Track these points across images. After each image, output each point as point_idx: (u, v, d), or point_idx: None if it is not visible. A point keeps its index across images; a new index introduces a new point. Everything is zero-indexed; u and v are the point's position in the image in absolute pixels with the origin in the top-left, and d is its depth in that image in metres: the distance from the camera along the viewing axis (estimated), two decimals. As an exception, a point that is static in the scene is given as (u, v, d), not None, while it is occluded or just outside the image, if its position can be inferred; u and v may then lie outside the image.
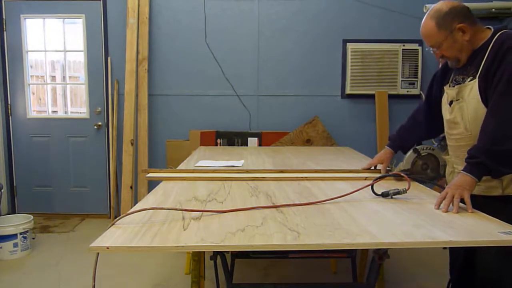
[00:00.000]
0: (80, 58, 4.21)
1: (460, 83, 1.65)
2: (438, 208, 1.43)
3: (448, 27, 1.59)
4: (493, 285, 1.59)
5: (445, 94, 1.74)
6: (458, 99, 1.64)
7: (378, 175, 1.84)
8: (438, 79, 1.84)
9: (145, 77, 4.03)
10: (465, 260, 1.80)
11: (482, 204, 1.54)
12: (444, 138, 1.97)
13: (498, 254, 1.51)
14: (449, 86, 1.72)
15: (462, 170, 1.49)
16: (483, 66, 1.55)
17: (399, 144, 2.04)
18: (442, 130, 1.86)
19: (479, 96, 1.55)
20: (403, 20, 3.99)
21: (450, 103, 1.69)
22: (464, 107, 1.62)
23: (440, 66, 1.87)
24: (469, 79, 1.61)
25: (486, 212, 1.40)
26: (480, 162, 1.45)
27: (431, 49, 1.69)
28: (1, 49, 4.13)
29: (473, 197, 1.56)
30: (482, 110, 1.55)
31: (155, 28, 4.06)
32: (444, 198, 1.44)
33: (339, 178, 1.97)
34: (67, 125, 4.24)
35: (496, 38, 1.55)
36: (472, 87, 1.58)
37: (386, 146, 2.09)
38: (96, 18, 4.09)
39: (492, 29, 1.61)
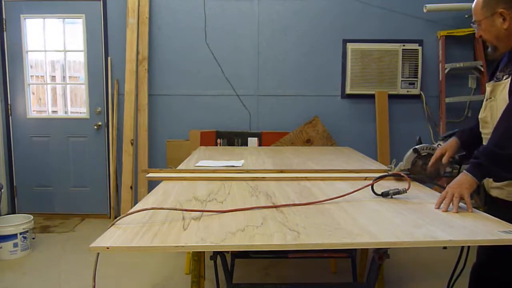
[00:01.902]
0: (80, 58, 4.21)
1: (499, 80, 1.59)
2: (438, 208, 1.43)
3: (491, 8, 1.53)
4: None
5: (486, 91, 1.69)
6: (491, 98, 1.60)
7: (378, 175, 1.84)
8: (488, 78, 1.75)
9: (145, 77, 4.03)
10: (489, 261, 1.77)
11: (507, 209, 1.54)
12: (444, 138, 1.97)
13: None
14: (490, 83, 1.65)
15: (465, 170, 1.47)
16: None
17: (469, 138, 1.81)
18: None
19: (507, 96, 1.50)
20: (403, 20, 3.99)
21: (487, 100, 1.64)
22: (494, 107, 1.57)
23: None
24: (505, 77, 1.55)
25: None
26: (480, 164, 1.43)
27: (474, 25, 1.63)
28: (1, 49, 4.13)
29: (504, 202, 1.57)
30: None
31: (155, 28, 4.06)
32: (445, 198, 1.44)
33: (339, 178, 1.97)
34: (67, 125, 4.24)
35: None
36: (504, 86, 1.53)
37: (453, 137, 1.88)
38: (96, 18, 4.09)
39: None
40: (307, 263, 3.12)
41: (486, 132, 1.64)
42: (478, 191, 1.77)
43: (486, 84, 1.67)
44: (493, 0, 1.53)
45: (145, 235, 1.14)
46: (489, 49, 1.63)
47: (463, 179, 1.44)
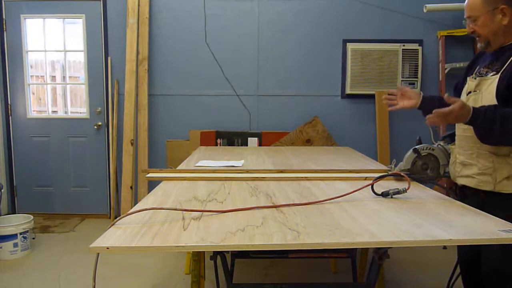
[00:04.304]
0: (80, 58, 4.22)
1: (483, 76, 1.67)
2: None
3: (493, 4, 1.59)
4: (497, 277, 1.63)
5: (466, 84, 1.77)
6: (476, 91, 1.67)
7: (378, 175, 1.84)
8: (465, 71, 1.86)
9: (145, 77, 4.03)
10: (472, 255, 1.85)
11: (483, 199, 1.62)
12: (443, 138, 1.98)
13: (501, 247, 1.53)
14: (472, 77, 1.74)
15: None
16: (509, 63, 1.57)
17: (430, 100, 1.95)
18: None
19: (495, 92, 1.57)
20: (403, 20, 3.99)
21: (469, 93, 1.71)
22: (479, 99, 1.64)
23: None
24: (491, 74, 1.63)
25: (486, 207, 1.45)
26: (487, 109, 1.50)
27: (466, 21, 1.70)
28: (1, 49, 4.13)
29: (474, 191, 1.65)
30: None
31: (155, 28, 4.06)
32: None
33: (339, 178, 1.97)
34: (67, 125, 4.24)
35: None
36: (492, 82, 1.60)
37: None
38: (96, 18, 4.09)
39: None
40: (307, 263, 3.12)
41: None
42: (456, 189, 1.84)
43: (469, 79, 1.75)
44: None
45: (145, 235, 1.14)
46: (482, 45, 1.69)
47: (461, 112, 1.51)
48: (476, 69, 1.75)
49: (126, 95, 3.99)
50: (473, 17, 1.65)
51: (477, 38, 1.69)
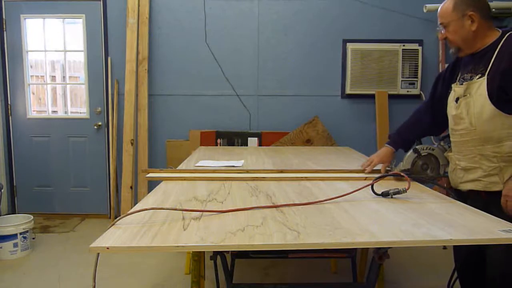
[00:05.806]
0: (80, 58, 4.22)
1: (468, 81, 1.69)
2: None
3: (461, 10, 1.65)
4: (502, 278, 1.63)
5: (452, 91, 1.78)
6: (465, 95, 1.68)
7: (378, 175, 1.84)
8: (446, 78, 1.88)
9: (145, 77, 4.03)
10: (472, 257, 1.86)
11: (486, 200, 1.62)
12: (443, 138, 1.98)
13: (507, 249, 1.54)
14: (457, 84, 1.76)
15: None
16: (492, 64, 1.60)
17: (400, 142, 2.07)
18: (443, 127, 1.92)
19: (486, 93, 1.59)
20: (403, 20, 3.99)
21: (457, 99, 1.73)
22: (471, 103, 1.66)
23: (446, 66, 1.93)
24: (477, 77, 1.65)
25: (489, 208, 1.45)
26: None
27: (439, 27, 1.75)
28: (1, 49, 4.13)
29: (476, 193, 1.66)
30: (488, 106, 1.59)
31: (155, 28, 4.06)
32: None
33: (339, 178, 1.97)
34: (67, 125, 4.24)
35: (506, 38, 1.61)
36: (480, 84, 1.62)
37: (386, 144, 2.10)
38: (96, 18, 4.09)
39: (501, 31, 1.67)
40: (307, 263, 3.12)
41: (461, 127, 1.72)
42: (454, 189, 1.85)
43: (454, 86, 1.78)
44: (463, 3, 1.65)
45: (145, 235, 1.14)
46: (452, 50, 1.75)
47: None
48: (459, 76, 1.78)
49: (126, 95, 3.99)
50: (444, 23, 1.70)
51: (449, 44, 1.75)
